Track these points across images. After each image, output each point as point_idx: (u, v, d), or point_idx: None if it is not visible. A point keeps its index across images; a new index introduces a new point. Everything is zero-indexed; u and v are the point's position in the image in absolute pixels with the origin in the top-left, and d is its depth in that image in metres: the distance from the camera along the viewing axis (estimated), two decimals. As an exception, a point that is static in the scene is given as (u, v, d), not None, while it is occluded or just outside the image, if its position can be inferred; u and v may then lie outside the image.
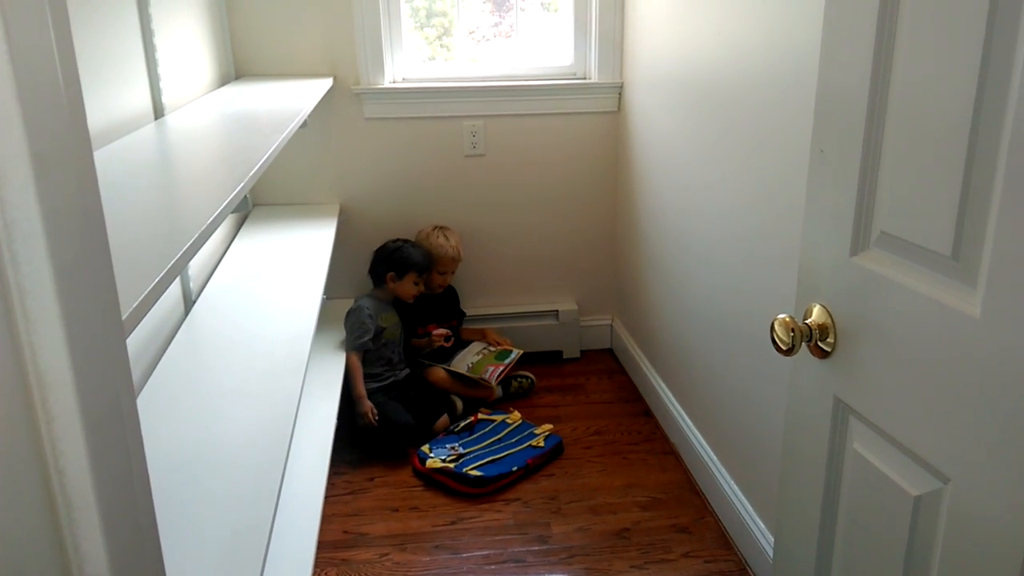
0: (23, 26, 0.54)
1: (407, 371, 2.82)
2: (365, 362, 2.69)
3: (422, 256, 2.83)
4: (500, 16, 3.15)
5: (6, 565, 0.55)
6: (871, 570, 1.12)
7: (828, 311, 1.13)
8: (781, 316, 1.14)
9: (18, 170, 0.54)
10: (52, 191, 0.57)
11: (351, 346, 2.65)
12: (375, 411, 2.58)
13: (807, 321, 1.16)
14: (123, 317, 0.75)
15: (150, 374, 1.73)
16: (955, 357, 0.91)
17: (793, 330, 1.13)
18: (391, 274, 2.79)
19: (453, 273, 2.99)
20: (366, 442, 2.61)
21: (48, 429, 0.58)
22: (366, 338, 2.66)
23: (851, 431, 1.13)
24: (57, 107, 0.58)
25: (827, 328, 1.13)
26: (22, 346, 0.57)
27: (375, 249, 2.89)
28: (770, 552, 1.94)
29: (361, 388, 2.61)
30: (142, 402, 1.62)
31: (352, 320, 2.70)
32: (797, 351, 1.15)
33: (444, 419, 2.71)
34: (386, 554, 2.16)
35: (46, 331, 0.57)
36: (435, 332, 2.87)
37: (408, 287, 2.80)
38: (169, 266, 0.92)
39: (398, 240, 2.89)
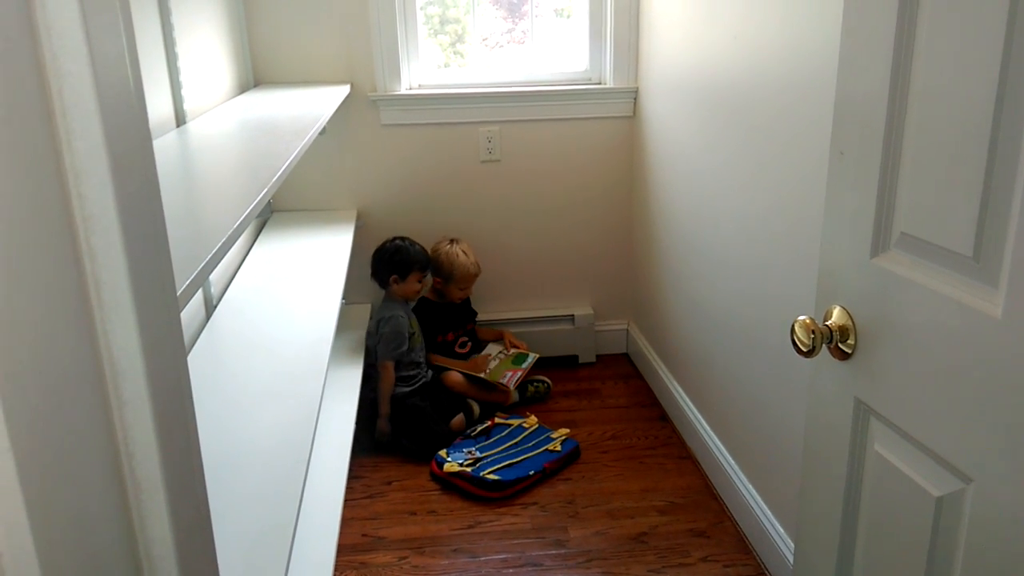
0: (101, 33, 0.57)
1: (431, 371, 2.84)
2: (397, 366, 2.72)
3: (421, 253, 2.84)
4: (513, 22, 3.17)
5: (80, 546, 0.57)
6: (893, 573, 1.12)
7: (848, 313, 1.13)
8: (801, 318, 1.15)
9: (97, 168, 0.56)
10: (125, 188, 0.59)
11: (389, 356, 2.68)
12: (390, 437, 2.68)
13: (827, 323, 1.16)
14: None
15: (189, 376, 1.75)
16: (976, 358, 0.91)
17: (813, 332, 1.14)
18: (394, 276, 2.80)
19: (472, 285, 3.00)
20: (396, 444, 2.66)
21: (120, 414, 0.61)
22: (404, 347, 2.70)
23: (872, 432, 1.13)
24: (129, 111, 0.62)
25: (847, 330, 1.13)
26: (97, 335, 0.59)
27: (373, 252, 2.89)
28: (790, 556, 1.94)
29: (386, 407, 2.67)
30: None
31: (390, 329, 2.71)
32: (817, 353, 1.15)
33: (460, 418, 2.72)
34: (404, 557, 2.17)
35: (120, 320, 0.59)
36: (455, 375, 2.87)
37: (412, 286, 2.81)
38: (197, 271, 0.93)
39: (395, 239, 2.87)
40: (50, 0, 0.53)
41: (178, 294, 0.86)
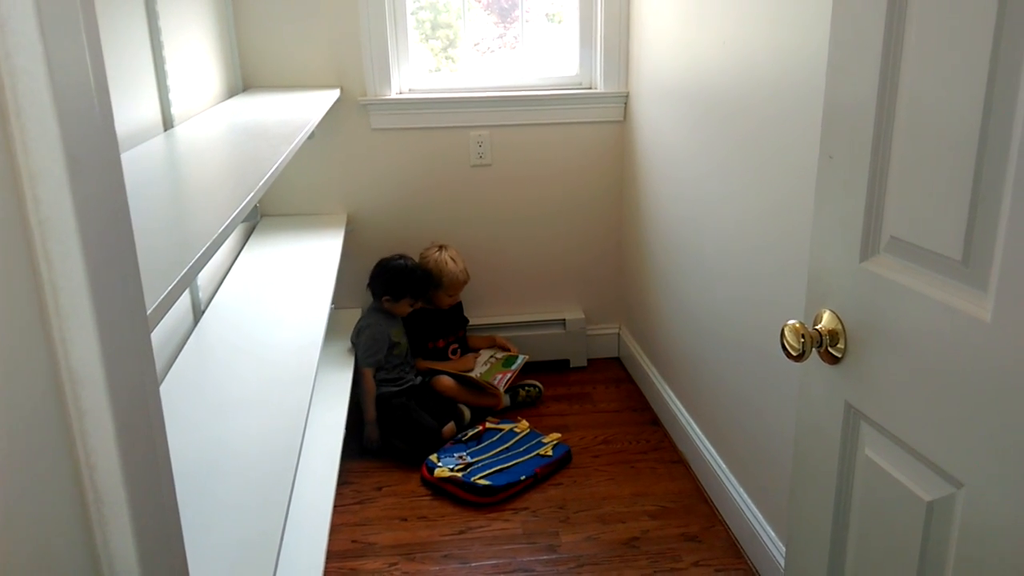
0: (58, 28, 0.55)
1: (420, 378, 2.83)
2: (384, 370, 2.72)
3: (420, 281, 2.82)
4: (505, 27, 3.16)
5: (39, 560, 0.55)
6: (884, 577, 1.11)
7: (838, 317, 1.13)
8: (791, 322, 1.14)
9: (53, 170, 0.55)
10: (84, 191, 0.58)
11: (365, 362, 2.68)
12: (378, 443, 2.67)
13: (817, 327, 1.16)
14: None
15: (160, 382, 1.74)
16: (966, 361, 0.91)
17: (803, 336, 1.13)
18: (387, 296, 2.79)
19: (460, 291, 3.00)
20: (389, 447, 2.65)
21: (79, 424, 0.59)
22: (380, 355, 2.70)
23: (862, 437, 1.13)
24: (90, 111, 0.60)
25: (837, 334, 1.13)
26: (55, 342, 0.58)
27: (376, 262, 2.88)
28: (781, 560, 1.93)
29: (372, 413, 2.66)
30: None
31: (365, 337, 2.71)
32: (807, 357, 1.15)
33: (451, 426, 2.72)
34: (394, 563, 2.16)
35: (78, 327, 0.58)
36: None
37: (403, 308, 2.81)
38: (181, 275, 0.92)
39: (400, 259, 2.85)
40: None
41: (161, 298, 0.86)
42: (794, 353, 1.14)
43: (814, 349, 1.16)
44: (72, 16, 0.57)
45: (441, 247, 2.93)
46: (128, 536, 0.61)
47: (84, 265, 0.56)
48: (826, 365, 1.16)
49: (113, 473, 0.60)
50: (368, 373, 2.67)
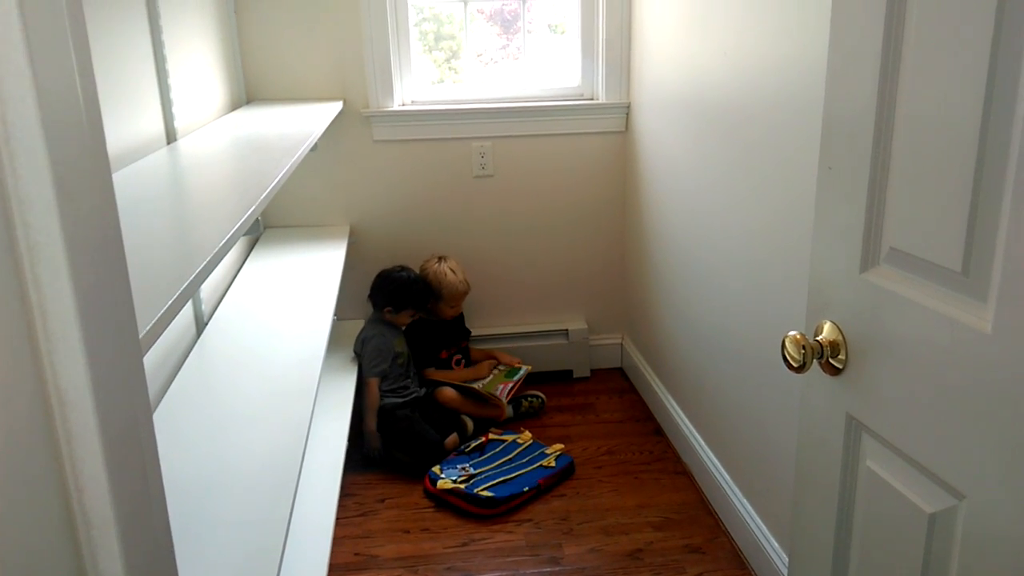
0: (47, 54, 0.55)
1: (424, 389, 2.83)
2: (387, 380, 2.72)
3: (421, 293, 2.83)
4: (508, 39, 3.18)
5: None
6: (887, 589, 1.10)
7: (839, 328, 1.13)
8: (792, 333, 1.14)
9: (42, 195, 0.55)
10: (73, 216, 0.58)
11: (370, 373, 2.69)
12: (380, 451, 2.66)
13: (818, 338, 1.16)
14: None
15: (162, 396, 1.74)
16: (967, 373, 0.91)
17: (804, 347, 1.13)
18: (388, 308, 2.80)
19: (462, 303, 3.00)
20: (388, 462, 2.64)
21: (68, 448, 0.59)
22: (384, 365, 2.71)
23: (864, 448, 1.12)
24: (79, 134, 0.60)
25: (838, 345, 1.13)
26: (43, 366, 0.58)
27: (378, 272, 2.88)
28: (784, 572, 1.92)
29: (372, 424, 2.66)
30: (154, 424, 1.62)
31: (370, 348, 2.72)
32: (808, 368, 1.14)
33: (454, 437, 2.71)
34: (398, 576, 2.15)
35: (67, 351, 0.58)
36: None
37: (404, 319, 2.82)
38: (183, 287, 0.93)
39: (401, 270, 2.86)
40: None
41: (163, 311, 0.86)
42: (795, 364, 1.13)
43: (815, 360, 1.15)
44: (61, 40, 0.57)
45: (441, 258, 2.93)
46: (117, 559, 0.61)
47: (73, 289, 0.56)
48: (827, 376, 1.16)
49: (102, 497, 0.60)
50: (373, 383, 2.67)
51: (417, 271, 2.90)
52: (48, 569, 0.58)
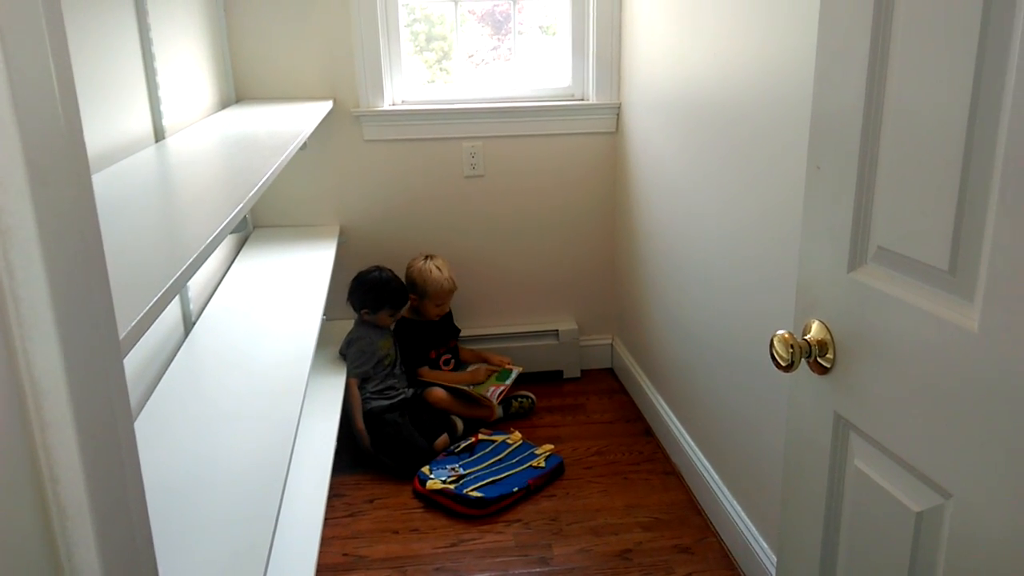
0: (18, 37, 0.55)
1: (412, 390, 2.82)
2: (372, 381, 2.72)
3: (395, 292, 2.82)
4: (499, 40, 3.18)
5: (1, 573, 0.55)
6: (874, 588, 1.11)
7: (827, 327, 1.13)
8: (780, 332, 1.14)
9: (14, 177, 0.54)
10: (48, 200, 0.57)
11: (351, 373, 2.68)
12: (371, 449, 2.65)
13: (806, 337, 1.16)
14: (122, 335, 0.75)
15: (149, 395, 1.73)
16: (954, 371, 0.91)
17: (792, 346, 1.13)
18: (365, 309, 2.79)
19: (449, 301, 2.99)
20: (377, 462, 2.63)
21: (42, 437, 0.58)
22: (366, 367, 2.71)
23: (852, 447, 1.13)
24: (53, 119, 0.59)
25: (826, 344, 1.13)
26: (16, 353, 0.57)
27: (353, 277, 2.87)
28: (773, 571, 1.93)
29: (360, 423, 2.66)
30: (141, 423, 1.62)
31: (353, 350, 2.73)
32: (796, 367, 1.15)
33: (444, 438, 2.71)
34: (386, 577, 2.14)
35: (40, 338, 0.57)
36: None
37: (383, 319, 2.81)
38: (168, 284, 0.92)
39: (376, 270, 2.85)
40: None
41: (149, 307, 0.85)
42: (783, 363, 1.13)
43: (803, 359, 1.16)
44: (34, 24, 0.57)
45: (428, 256, 2.93)
46: (92, 549, 0.60)
47: (46, 275, 0.56)
48: (815, 375, 1.16)
49: (77, 486, 0.59)
50: (353, 384, 2.67)
51: (394, 272, 2.89)
52: (22, 559, 0.58)
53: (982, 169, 0.86)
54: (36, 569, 0.59)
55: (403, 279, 2.90)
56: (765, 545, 2.01)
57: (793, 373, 1.18)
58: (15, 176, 0.54)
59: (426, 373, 2.89)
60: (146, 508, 0.72)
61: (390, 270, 2.87)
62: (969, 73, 0.86)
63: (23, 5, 0.55)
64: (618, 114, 3.03)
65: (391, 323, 2.86)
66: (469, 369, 2.97)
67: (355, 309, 2.84)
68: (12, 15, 0.54)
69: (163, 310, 0.90)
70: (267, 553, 1.27)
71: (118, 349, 0.69)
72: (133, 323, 0.80)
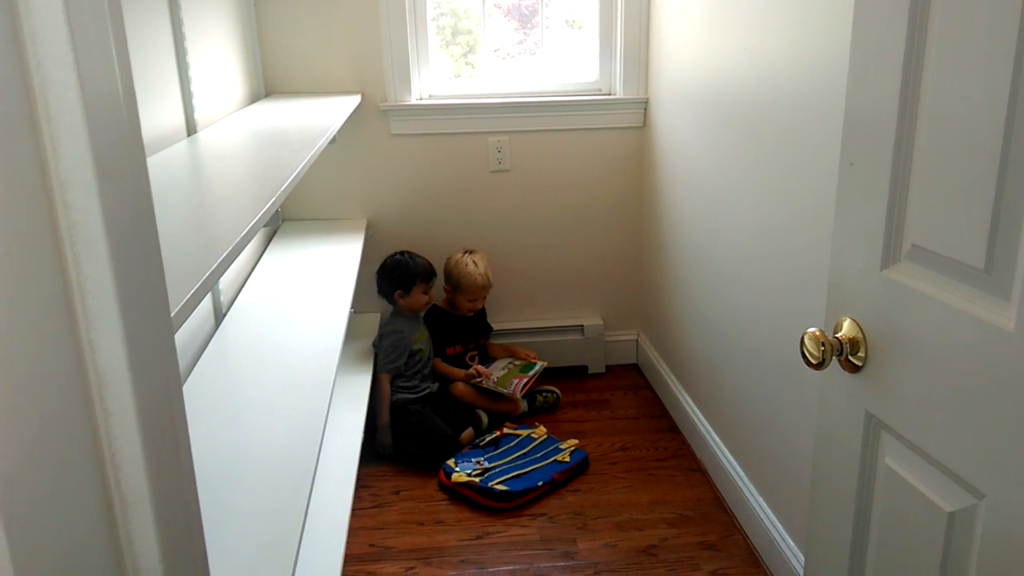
0: (87, 38, 0.56)
1: (437, 384, 2.84)
2: (402, 377, 2.72)
3: (422, 265, 2.84)
4: (525, 33, 3.17)
5: (65, 559, 0.56)
6: (904, 588, 1.10)
7: (859, 325, 1.12)
8: (811, 330, 1.14)
9: (83, 176, 0.56)
10: (112, 196, 0.59)
11: (383, 368, 2.69)
12: (391, 449, 2.66)
13: (837, 335, 1.15)
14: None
15: (182, 386, 1.75)
16: (989, 371, 0.90)
17: (823, 344, 1.13)
18: (398, 291, 2.80)
19: (484, 299, 2.99)
20: (404, 453, 2.65)
21: (106, 425, 0.60)
22: (399, 362, 2.71)
23: (883, 446, 1.12)
24: (118, 118, 0.61)
25: (858, 342, 1.12)
26: (82, 344, 0.59)
27: (376, 270, 2.89)
28: (800, 570, 1.92)
29: (386, 418, 2.67)
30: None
31: (387, 344, 2.72)
32: (827, 365, 1.14)
33: (469, 432, 2.72)
34: (411, 568, 2.16)
35: (105, 330, 0.59)
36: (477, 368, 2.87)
37: (418, 298, 2.81)
38: (203, 279, 0.93)
39: (395, 254, 2.89)
40: (35, 6, 0.53)
41: (184, 301, 0.87)
42: (814, 361, 1.13)
43: (834, 357, 1.15)
44: (101, 26, 0.58)
45: (468, 251, 2.94)
46: (152, 534, 0.62)
47: (111, 268, 0.57)
48: (846, 374, 1.16)
49: (138, 473, 0.61)
50: (385, 379, 2.68)
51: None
52: (85, 546, 0.59)
53: (1020, 166, 0.85)
54: (98, 554, 0.61)
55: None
56: (791, 542, 2.00)
57: (824, 371, 1.17)
58: (84, 174, 0.56)
59: (438, 364, 2.89)
60: (197, 492, 0.74)
61: (409, 251, 2.89)
62: (1008, 70, 0.85)
63: (92, 15, 0.57)
64: (645, 109, 3.01)
65: (428, 302, 2.85)
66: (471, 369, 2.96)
67: (388, 299, 2.85)
68: (82, 23, 0.56)
69: (197, 305, 0.92)
70: (297, 543, 1.29)
71: (172, 336, 0.71)
72: (171, 315, 0.81)
